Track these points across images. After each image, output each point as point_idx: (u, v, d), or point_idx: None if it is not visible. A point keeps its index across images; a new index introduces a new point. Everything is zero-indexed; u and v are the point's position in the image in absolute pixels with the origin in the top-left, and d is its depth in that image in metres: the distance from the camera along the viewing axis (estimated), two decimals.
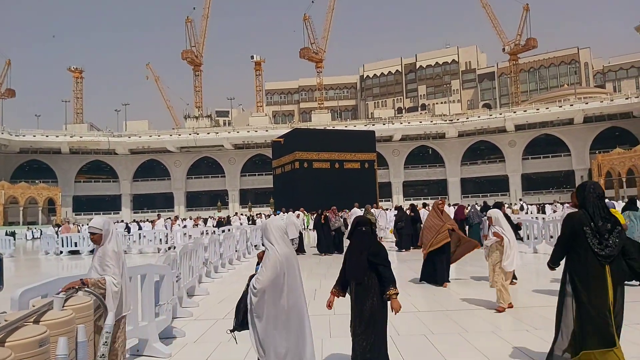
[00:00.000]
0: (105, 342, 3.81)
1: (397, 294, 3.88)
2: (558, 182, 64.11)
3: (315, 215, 18.80)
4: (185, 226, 24.19)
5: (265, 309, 3.47)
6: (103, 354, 3.79)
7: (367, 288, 3.96)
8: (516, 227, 11.90)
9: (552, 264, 4.11)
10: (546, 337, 5.17)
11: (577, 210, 3.99)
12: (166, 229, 22.19)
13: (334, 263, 13.19)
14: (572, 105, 61.71)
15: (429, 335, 5.49)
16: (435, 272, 9.05)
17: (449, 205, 25.78)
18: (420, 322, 6.12)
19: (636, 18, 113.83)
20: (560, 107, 62.42)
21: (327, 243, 15.95)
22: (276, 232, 3.61)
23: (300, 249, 15.94)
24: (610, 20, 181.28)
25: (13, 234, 38.35)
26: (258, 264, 3.85)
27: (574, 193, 4.27)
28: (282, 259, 3.49)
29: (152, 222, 25.53)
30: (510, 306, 6.66)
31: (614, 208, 12.39)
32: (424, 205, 21.16)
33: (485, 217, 12.19)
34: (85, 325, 3.39)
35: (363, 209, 18.64)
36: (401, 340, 5.32)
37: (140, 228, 25.37)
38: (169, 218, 29.03)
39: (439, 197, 60.87)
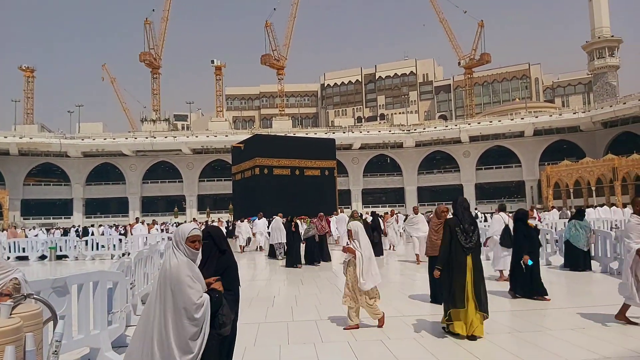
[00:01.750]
0: (55, 351, 3.69)
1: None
2: (510, 192, 66.56)
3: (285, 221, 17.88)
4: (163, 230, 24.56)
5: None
6: None
7: None
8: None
9: (440, 266, 5.74)
10: (498, 342, 5.35)
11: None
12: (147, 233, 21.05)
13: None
14: (523, 118, 64.30)
15: (385, 340, 5.57)
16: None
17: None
18: (376, 328, 6.20)
19: (583, 37, 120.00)
20: (512, 120, 64.96)
21: (297, 253, 14.20)
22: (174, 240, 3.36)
23: (295, 260, 14.17)
24: (560, 38, 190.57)
25: None
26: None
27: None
28: (161, 271, 3.29)
29: (130, 225, 25.02)
30: (357, 327, 6.15)
31: (570, 218, 13.00)
32: (391, 213, 20.59)
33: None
34: (34, 334, 3.28)
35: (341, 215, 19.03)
36: (358, 345, 5.38)
37: (92, 234, 24.52)
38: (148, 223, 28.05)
39: (396, 205, 62.17)
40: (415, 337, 5.67)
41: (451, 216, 6.02)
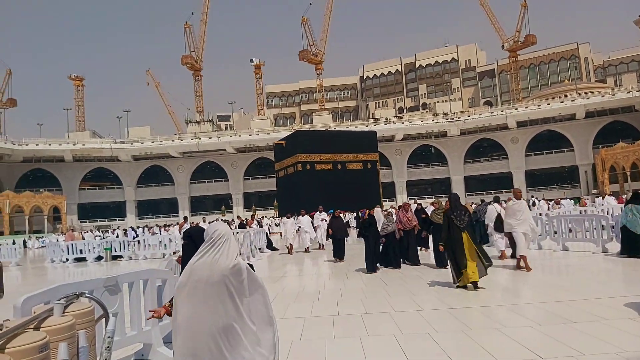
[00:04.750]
0: (108, 347, 3.82)
1: None
2: (562, 178, 63.96)
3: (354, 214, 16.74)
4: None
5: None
6: (106, 359, 3.80)
7: None
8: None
9: (442, 242, 8.59)
10: (550, 333, 5.15)
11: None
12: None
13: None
14: (573, 100, 61.58)
15: (432, 333, 5.47)
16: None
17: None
18: (424, 321, 6.10)
19: (635, 11, 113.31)
20: (562, 102, 62.31)
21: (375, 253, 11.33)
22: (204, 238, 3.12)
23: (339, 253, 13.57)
24: (609, 14, 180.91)
25: (24, 243, 38.59)
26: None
27: None
28: (187, 270, 3.03)
29: (180, 224, 24.91)
30: None
31: (626, 203, 12.40)
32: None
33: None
34: (87, 331, 3.40)
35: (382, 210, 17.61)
36: (405, 338, 5.30)
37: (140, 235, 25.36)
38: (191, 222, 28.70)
39: (444, 195, 60.98)
40: (463, 330, 5.53)
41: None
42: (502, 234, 11.35)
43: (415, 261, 11.57)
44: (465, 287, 7.98)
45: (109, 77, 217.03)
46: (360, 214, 28.58)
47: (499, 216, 11.86)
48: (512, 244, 11.64)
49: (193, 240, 3.55)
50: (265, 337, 3.20)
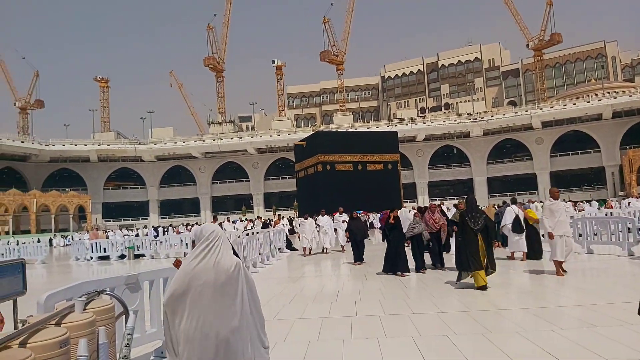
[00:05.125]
0: (127, 343, 3.88)
1: None
2: (588, 179, 62.57)
3: (379, 215, 16.31)
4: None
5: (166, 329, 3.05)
6: (125, 356, 3.86)
7: None
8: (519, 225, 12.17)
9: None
10: (573, 337, 5.04)
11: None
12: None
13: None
14: (600, 100, 60.22)
15: (451, 336, 5.41)
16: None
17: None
18: (442, 323, 6.04)
19: None
20: (588, 102, 60.98)
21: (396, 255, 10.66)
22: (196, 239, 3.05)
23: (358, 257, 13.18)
24: (638, 11, 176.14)
25: (50, 241, 39.62)
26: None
27: None
28: (185, 275, 2.93)
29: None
30: None
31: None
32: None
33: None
34: (107, 328, 3.46)
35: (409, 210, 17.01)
36: (423, 340, 5.25)
37: (163, 234, 25.72)
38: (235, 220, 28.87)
39: (464, 197, 60.29)
40: (482, 333, 5.45)
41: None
42: (522, 235, 11.76)
43: (440, 264, 11.09)
44: (483, 287, 8.04)
45: (134, 78, 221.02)
46: (380, 215, 28.47)
47: (517, 218, 12.02)
48: (529, 244, 11.79)
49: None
50: (265, 337, 3.22)
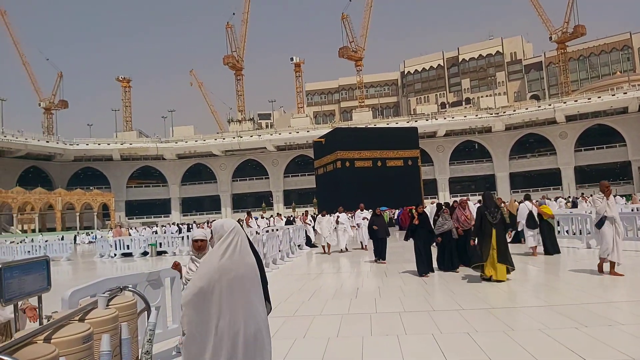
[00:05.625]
0: (149, 339, 3.95)
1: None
2: (614, 174, 61.12)
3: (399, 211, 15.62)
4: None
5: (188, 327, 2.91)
6: (147, 351, 3.92)
7: None
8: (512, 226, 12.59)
9: (473, 236, 9.28)
10: (595, 335, 4.94)
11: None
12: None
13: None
14: (625, 93, 58.69)
15: (472, 333, 5.35)
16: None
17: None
18: (463, 320, 5.98)
19: None
20: (613, 95, 59.51)
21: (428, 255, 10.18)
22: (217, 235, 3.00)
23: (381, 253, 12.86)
24: None
25: (74, 238, 40.51)
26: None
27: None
28: (212, 270, 2.87)
29: (245, 220, 23.50)
30: None
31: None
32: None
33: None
34: (129, 323, 3.52)
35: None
36: (444, 338, 5.21)
37: (187, 230, 25.98)
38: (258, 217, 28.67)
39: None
40: (504, 330, 5.38)
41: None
42: (535, 230, 12.11)
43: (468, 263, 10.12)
44: (489, 279, 8.57)
45: (155, 77, 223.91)
46: (399, 212, 28.19)
47: (530, 214, 12.32)
48: (544, 240, 12.08)
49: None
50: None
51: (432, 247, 10.42)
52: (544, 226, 12.19)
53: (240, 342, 2.86)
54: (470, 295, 7.60)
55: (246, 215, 18.89)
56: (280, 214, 35.86)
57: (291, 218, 30.43)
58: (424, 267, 9.95)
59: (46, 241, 27.15)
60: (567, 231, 14.76)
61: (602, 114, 61.11)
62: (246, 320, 2.89)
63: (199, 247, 4.06)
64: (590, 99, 61.43)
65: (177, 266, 4.25)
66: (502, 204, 16.12)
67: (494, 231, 8.57)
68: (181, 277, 4.28)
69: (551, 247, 11.99)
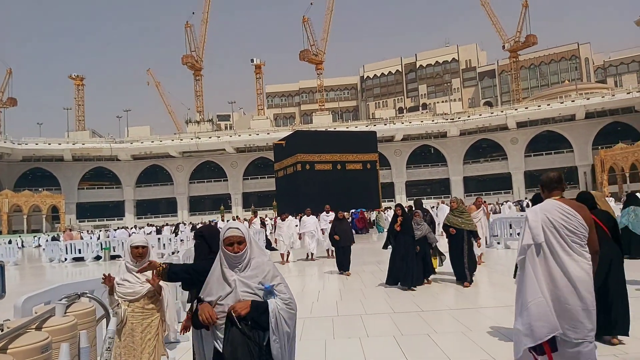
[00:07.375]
0: (109, 347, 3.83)
1: None
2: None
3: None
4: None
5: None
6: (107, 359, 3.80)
7: None
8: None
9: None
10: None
11: None
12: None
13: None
14: (573, 101, 61.58)
15: (432, 334, 5.48)
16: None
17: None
18: (423, 322, 6.11)
19: (636, 12, 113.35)
20: (562, 103, 62.33)
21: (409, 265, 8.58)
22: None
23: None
24: (610, 14, 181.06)
25: (21, 242, 38.63)
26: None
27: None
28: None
29: (250, 220, 21.61)
30: None
31: (624, 205, 12.13)
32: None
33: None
34: (88, 331, 3.40)
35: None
36: (405, 339, 5.31)
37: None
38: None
39: (443, 196, 61.07)
40: (463, 332, 5.54)
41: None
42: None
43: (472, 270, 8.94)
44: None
45: (110, 76, 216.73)
46: (355, 215, 27.76)
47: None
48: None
49: (206, 240, 3.30)
50: None
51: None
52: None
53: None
54: (429, 296, 7.78)
55: (251, 215, 18.43)
56: (239, 217, 35.49)
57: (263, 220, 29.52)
58: (409, 279, 8.43)
59: None
60: (518, 233, 15.38)
61: (551, 120, 63.86)
62: None
63: (139, 254, 3.84)
64: (540, 106, 64.08)
65: (109, 280, 3.78)
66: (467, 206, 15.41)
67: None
68: (111, 293, 3.85)
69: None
